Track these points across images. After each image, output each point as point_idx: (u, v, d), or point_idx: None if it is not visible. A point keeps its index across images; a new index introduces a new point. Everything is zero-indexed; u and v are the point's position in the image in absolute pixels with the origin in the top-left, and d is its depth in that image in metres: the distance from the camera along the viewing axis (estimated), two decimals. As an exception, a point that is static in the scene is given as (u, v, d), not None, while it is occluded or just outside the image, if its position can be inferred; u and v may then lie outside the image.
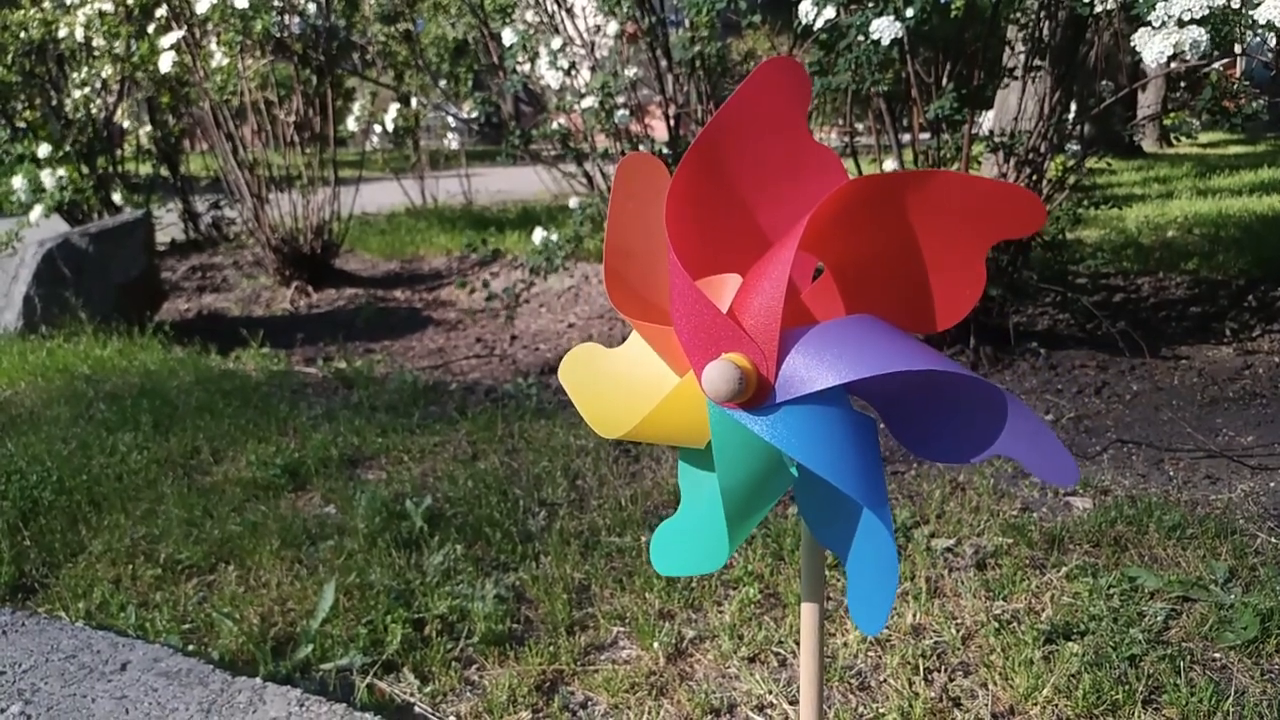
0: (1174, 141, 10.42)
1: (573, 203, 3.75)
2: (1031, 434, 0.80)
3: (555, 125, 3.75)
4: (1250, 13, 2.29)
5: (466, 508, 2.16)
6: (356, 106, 6.64)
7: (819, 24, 2.77)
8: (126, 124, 6.05)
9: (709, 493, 0.87)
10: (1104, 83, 3.35)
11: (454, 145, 9.15)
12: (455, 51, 7.68)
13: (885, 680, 1.53)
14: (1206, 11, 2.30)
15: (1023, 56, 3.19)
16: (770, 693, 1.50)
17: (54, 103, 5.59)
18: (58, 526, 2.16)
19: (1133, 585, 1.74)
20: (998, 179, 0.76)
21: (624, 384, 0.91)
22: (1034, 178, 3.26)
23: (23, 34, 5.22)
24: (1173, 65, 2.48)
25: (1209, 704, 1.41)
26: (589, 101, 3.52)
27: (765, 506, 0.86)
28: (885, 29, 2.61)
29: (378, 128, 6.94)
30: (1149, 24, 2.36)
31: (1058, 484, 0.80)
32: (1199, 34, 2.30)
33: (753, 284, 0.78)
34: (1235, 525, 1.96)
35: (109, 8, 5.00)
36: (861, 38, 2.69)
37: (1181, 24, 2.32)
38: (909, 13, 2.63)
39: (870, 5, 2.74)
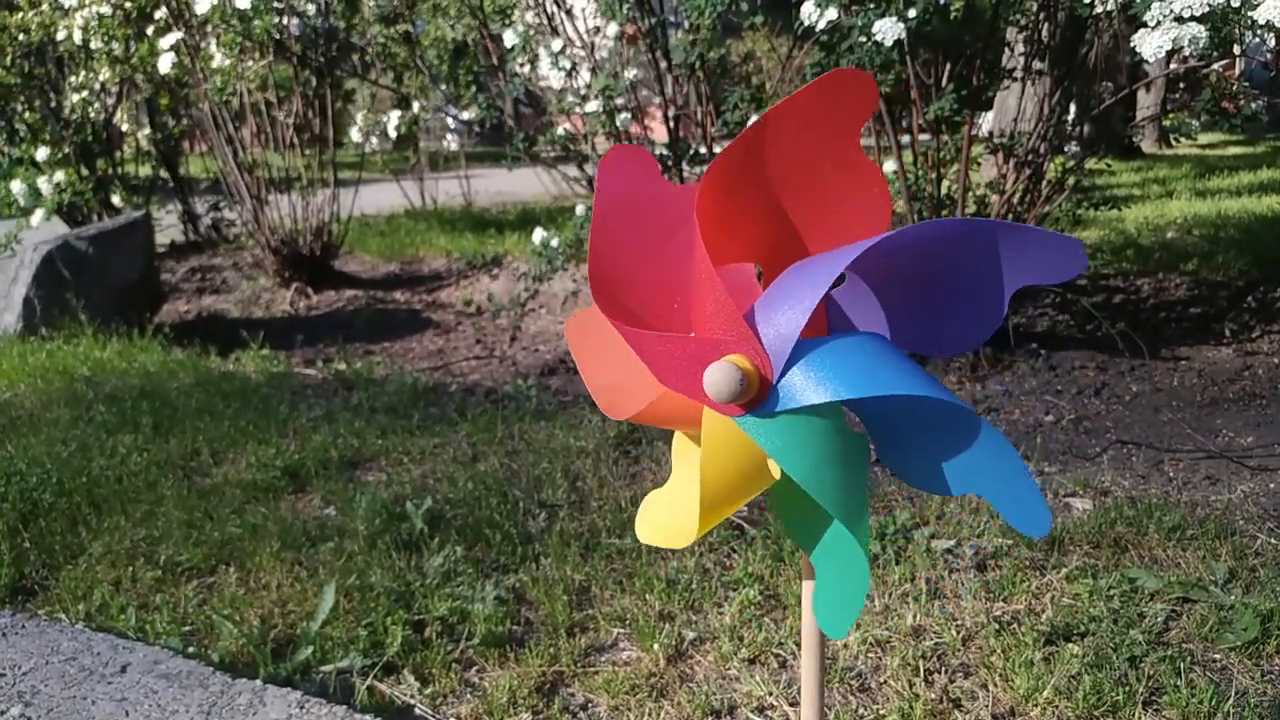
0: (1173, 142, 10.41)
1: (579, 209, 3.74)
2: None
3: (561, 130, 3.75)
4: (1249, 13, 2.29)
5: (466, 509, 2.16)
6: (360, 117, 6.64)
7: (821, 25, 2.77)
8: (126, 126, 6.05)
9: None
10: (1104, 84, 3.35)
11: (453, 147, 9.14)
12: (455, 53, 7.68)
13: (886, 681, 1.53)
14: (1206, 9, 2.30)
15: (1022, 58, 3.20)
16: (771, 694, 1.50)
17: (53, 105, 5.59)
18: (58, 528, 2.16)
19: (1133, 586, 1.74)
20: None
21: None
22: (1033, 179, 3.26)
23: (21, 36, 5.21)
24: (1172, 66, 2.48)
25: (1209, 705, 1.41)
26: (593, 105, 3.52)
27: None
28: (888, 30, 2.61)
29: (378, 130, 6.93)
30: (1145, 24, 2.37)
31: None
32: (1198, 30, 2.31)
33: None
34: (1235, 526, 1.96)
35: (107, 10, 5.00)
36: (863, 38, 2.69)
37: (1181, 20, 2.32)
38: (911, 13, 2.63)
39: (872, 6, 2.74)
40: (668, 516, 0.90)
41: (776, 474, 0.82)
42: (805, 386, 0.76)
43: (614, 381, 0.90)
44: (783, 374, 0.77)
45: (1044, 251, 0.76)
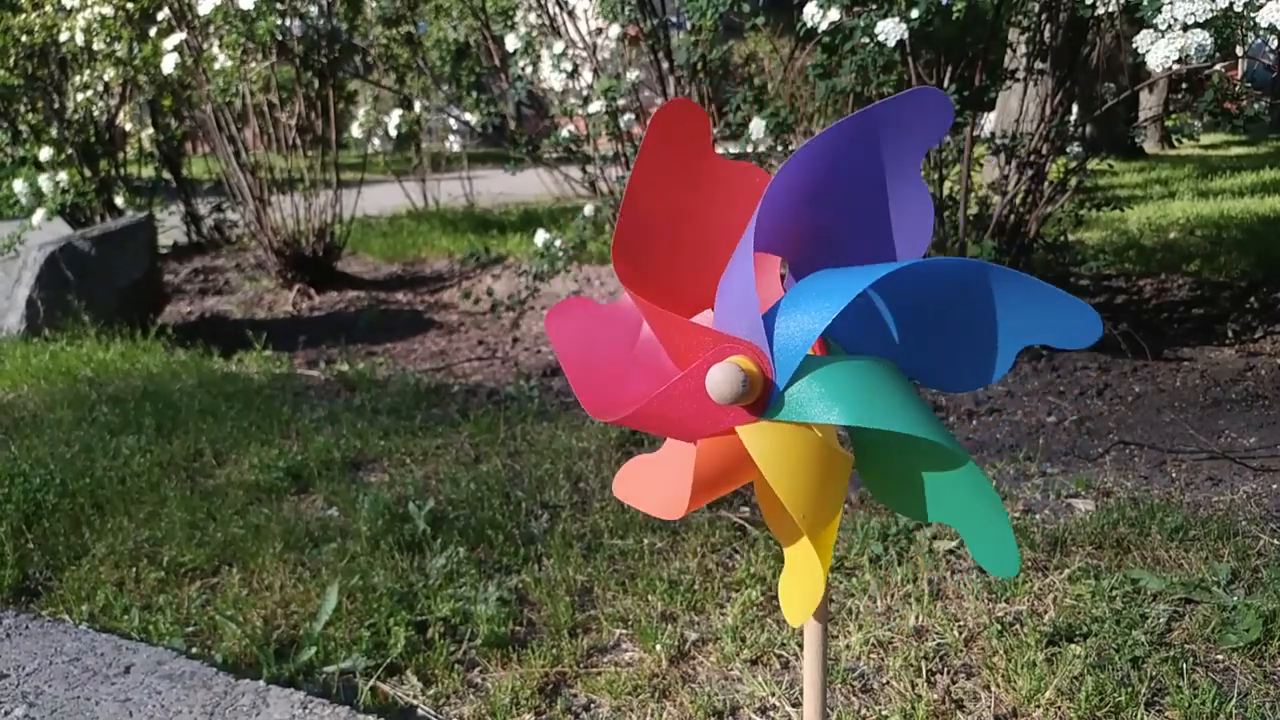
0: (1176, 143, 10.40)
1: (587, 210, 3.75)
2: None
3: (565, 133, 3.75)
4: (1253, 15, 2.29)
5: (469, 510, 2.16)
6: (360, 114, 6.65)
7: (824, 26, 2.78)
8: (129, 127, 6.06)
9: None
10: (1106, 85, 3.35)
11: (455, 147, 9.15)
12: (457, 54, 7.69)
13: (888, 682, 1.53)
14: (1210, 15, 2.30)
15: (1024, 58, 3.20)
16: (773, 695, 1.50)
17: (56, 106, 5.60)
18: (61, 529, 2.16)
19: (1135, 587, 1.74)
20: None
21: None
22: (1035, 179, 3.26)
23: (24, 37, 5.22)
24: (1175, 67, 2.48)
25: (1211, 706, 1.41)
26: (595, 106, 3.52)
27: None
28: (891, 31, 2.61)
29: (380, 130, 6.94)
30: (1155, 27, 2.36)
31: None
32: (1203, 38, 2.31)
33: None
34: (1238, 527, 1.96)
35: (109, 11, 5.01)
36: (866, 39, 2.69)
37: (1185, 28, 2.32)
38: (913, 14, 2.63)
39: (874, 7, 2.74)
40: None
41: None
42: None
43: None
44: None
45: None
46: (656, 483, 0.90)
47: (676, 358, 0.81)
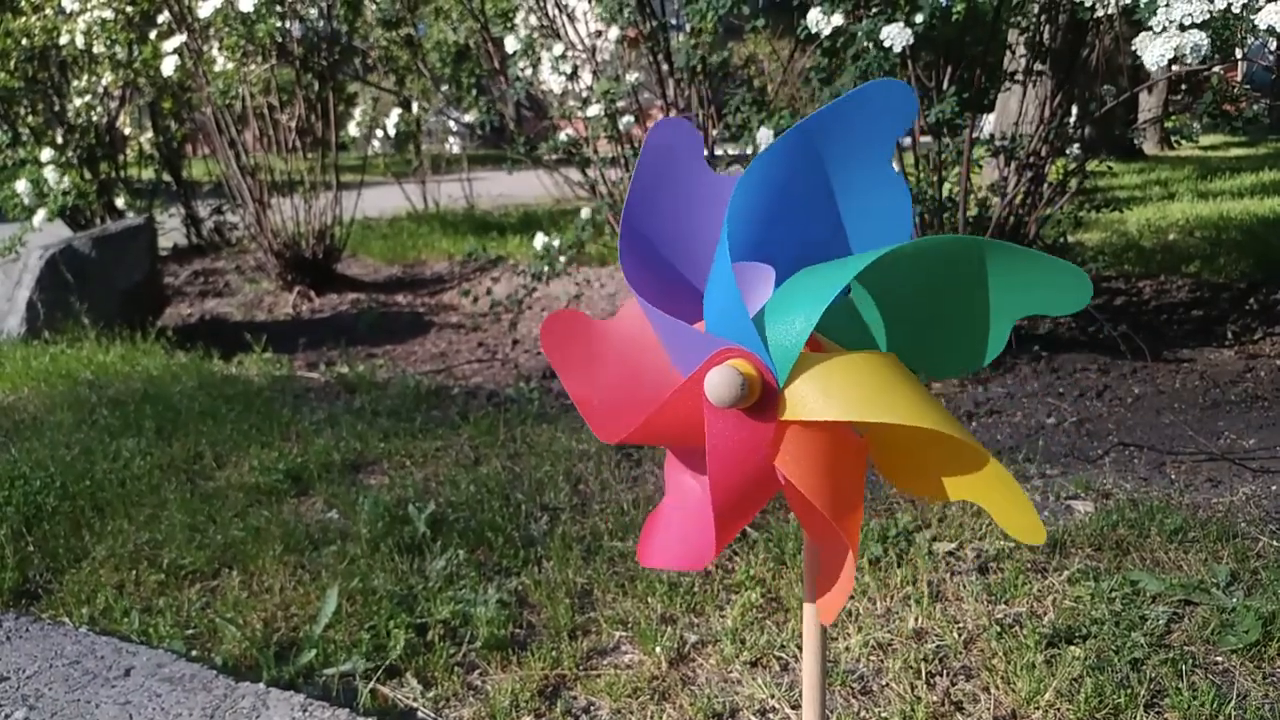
0: (1175, 144, 10.41)
1: (584, 213, 3.75)
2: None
3: (564, 135, 3.75)
4: (1251, 17, 2.30)
5: (469, 512, 2.16)
6: (358, 113, 6.65)
7: (826, 31, 2.78)
8: (129, 129, 6.06)
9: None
10: (1105, 87, 3.35)
11: (455, 149, 9.16)
12: (457, 56, 7.70)
13: (887, 684, 1.53)
14: (1207, 16, 2.31)
15: (1024, 60, 3.20)
16: (772, 697, 1.50)
17: (56, 108, 5.60)
18: (61, 532, 2.16)
19: (1134, 589, 1.74)
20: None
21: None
22: (1035, 181, 3.27)
23: (25, 40, 5.23)
24: (1174, 68, 2.49)
25: (1211, 708, 1.41)
26: (594, 109, 3.52)
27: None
28: (896, 36, 2.61)
29: (380, 132, 6.95)
30: (1150, 28, 2.37)
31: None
32: (1199, 38, 2.31)
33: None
34: (1237, 528, 1.96)
35: (109, 14, 5.01)
36: (869, 44, 2.69)
37: (1182, 28, 2.33)
38: (918, 19, 2.63)
39: (875, 12, 2.74)
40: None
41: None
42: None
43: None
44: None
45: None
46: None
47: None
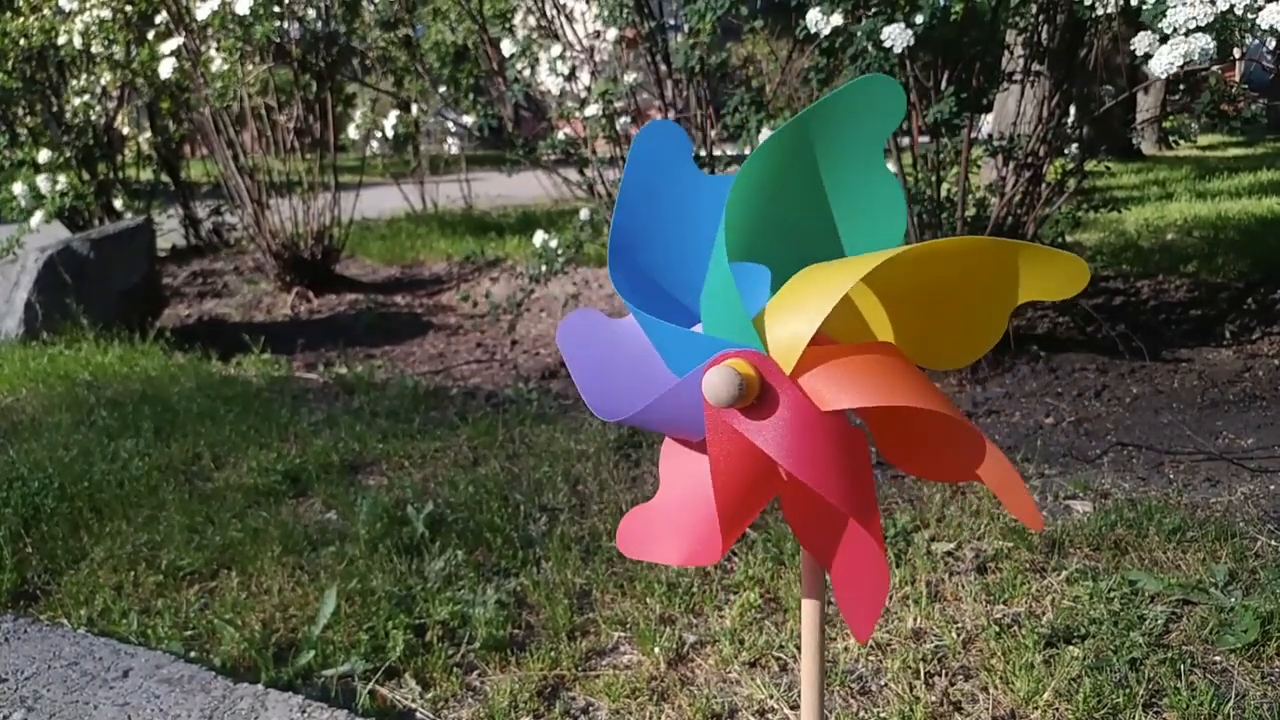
0: (1173, 144, 10.42)
1: (583, 214, 3.75)
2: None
3: (561, 135, 3.75)
4: (1252, 17, 2.30)
5: (468, 513, 2.16)
6: (357, 115, 6.65)
7: (825, 31, 2.78)
8: (127, 130, 6.06)
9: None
10: (1104, 87, 3.36)
11: (454, 150, 9.15)
12: (456, 57, 7.70)
13: (886, 684, 1.53)
14: (1210, 19, 2.31)
15: (1022, 60, 3.20)
16: (771, 697, 1.50)
17: (54, 109, 5.60)
18: (59, 533, 2.16)
19: (1133, 588, 1.74)
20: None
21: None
22: (1033, 181, 3.27)
23: (23, 41, 5.22)
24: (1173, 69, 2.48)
25: (1209, 707, 1.41)
26: (592, 110, 3.52)
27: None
28: (897, 36, 2.61)
29: (378, 133, 6.95)
30: (1161, 31, 2.36)
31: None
32: (1206, 41, 2.31)
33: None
34: (1235, 528, 1.96)
35: (107, 15, 5.01)
36: (868, 45, 2.69)
37: (1187, 33, 2.33)
38: (918, 19, 2.63)
39: (874, 12, 2.74)
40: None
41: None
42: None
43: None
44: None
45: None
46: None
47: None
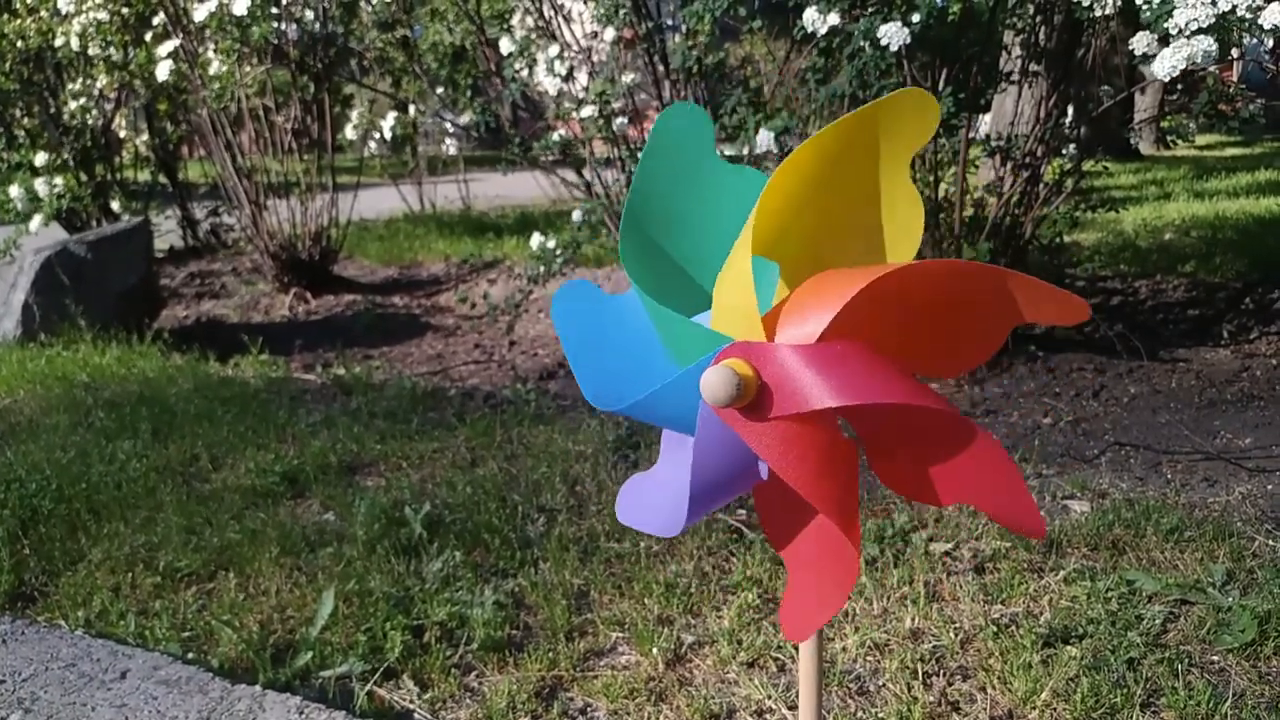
0: (1171, 144, 10.41)
1: (576, 215, 3.75)
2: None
3: (556, 136, 3.76)
4: (1253, 18, 2.30)
5: (465, 514, 2.16)
6: (354, 115, 6.65)
7: (823, 31, 2.78)
8: (124, 132, 6.06)
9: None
10: (1102, 87, 3.36)
11: (452, 151, 9.15)
12: (454, 57, 7.70)
13: (884, 685, 1.53)
14: (1212, 20, 2.31)
15: (1020, 60, 3.20)
16: (769, 698, 1.50)
17: (52, 111, 5.59)
18: (57, 535, 2.16)
19: (1130, 588, 1.74)
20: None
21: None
22: (1031, 181, 3.27)
23: (20, 42, 5.22)
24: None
25: (1207, 707, 1.41)
26: (588, 110, 3.52)
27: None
28: (894, 35, 2.62)
29: (376, 134, 6.94)
30: (1165, 31, 2.36)
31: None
32: (1209, 43, 2.31)
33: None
34: (1233, 528, 1.96)
35: (104, 17, 5.01)
36: (865, 44, 2.69)
37: (1189, 35, 2.33)
38: (914, 18, 2.64)
39: (871, 11, 2.74)
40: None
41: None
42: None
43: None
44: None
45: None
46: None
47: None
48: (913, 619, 1.69)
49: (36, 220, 4.91)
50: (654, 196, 0.85)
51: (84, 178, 5.60)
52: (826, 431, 0.78)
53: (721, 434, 0.79)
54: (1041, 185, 3.32)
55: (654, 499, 0.90)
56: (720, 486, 0.84)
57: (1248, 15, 2.30)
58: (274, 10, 4.56)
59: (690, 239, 0.87)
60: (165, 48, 4.68)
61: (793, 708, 1.47)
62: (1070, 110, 3.25)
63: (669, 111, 0.84)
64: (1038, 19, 3.07)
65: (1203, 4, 2.30)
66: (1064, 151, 3.32)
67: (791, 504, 0.83)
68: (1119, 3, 2.56)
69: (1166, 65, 2.35)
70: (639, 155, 3.28)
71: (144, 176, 6.36)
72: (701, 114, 0.84)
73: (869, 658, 1.60)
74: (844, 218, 0.81)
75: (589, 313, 0.91)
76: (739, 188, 0.85)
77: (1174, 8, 2.35)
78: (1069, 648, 1.57)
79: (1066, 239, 3.83)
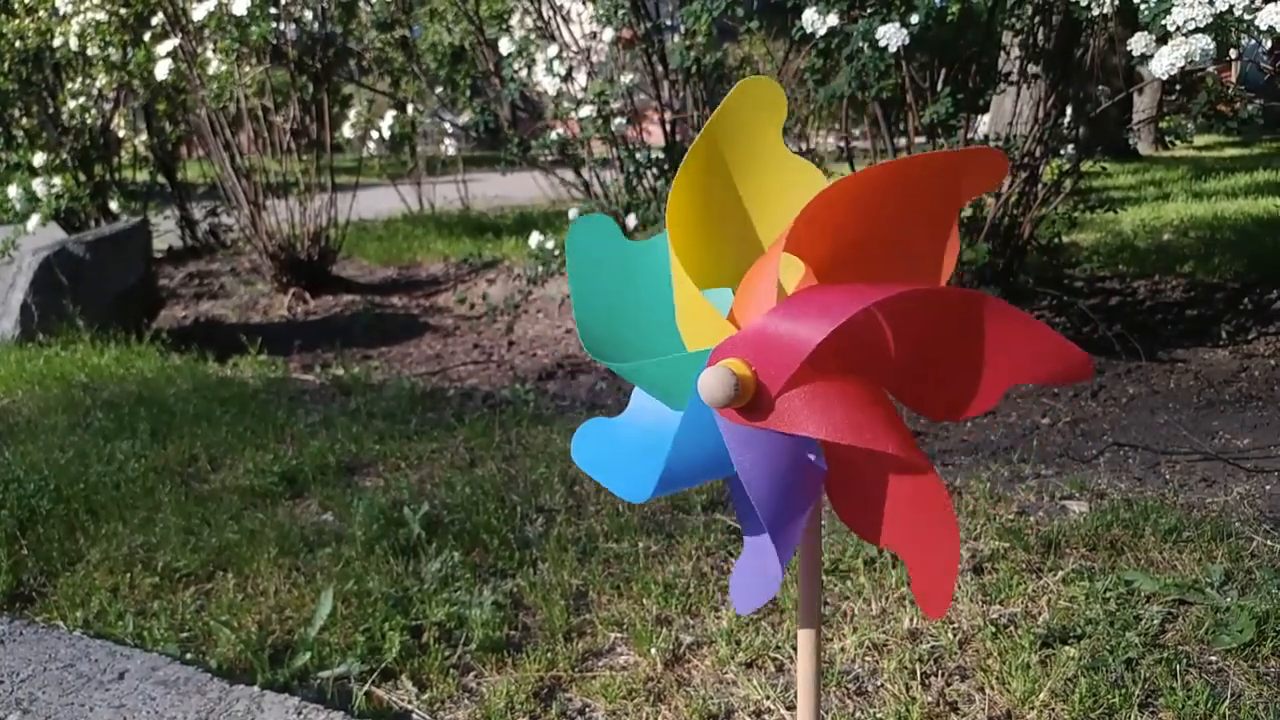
0: (1170, 144, 10.41)
1: (572, 213, 3.75)
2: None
3: (554, 135, 3.76)
4: (1250, 18, 2.30)
5: (464, 514, 2.16)
6: (352, 113, 6.65)
7: (821, 32, 2.78)
8: (123, 132, 6.06)
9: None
10: (1101, 88, 3.36)
11: (451, 151, 9.15)
12: (453, 58, 7.70)
13: (882, 685, 1.53)
14: (1209, 20, 2.31)
15: (1018, 61, 3.20)
16: (768, 698, 1.50)
17: (50, 110, 5.59)
18: (55, 535, 2.16)
19: (1129, 589, 1.74)
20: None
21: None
22: (1030, 181, 3.27)
23: (19, 42, 5.22)
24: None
25: (1205, 707, 1.41)
26: (586, 110, 3.52)
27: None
28: (892, 36, 2.62)
29: (375, 134, 6.95)
30: (1163, 29, 2.37)
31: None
32: (1206, 42, 2.32)
33: (806, 304, 0.78)
34: (1231, 528, 1.96)
35: (103, 17, 5.01)
36: (864, 45, 2.69)
37: (1186, 34, 2.33)
38: (913, 19, 2.64)
39: (870, 12, 2.75)
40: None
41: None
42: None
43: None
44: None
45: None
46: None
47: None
48: (911, 619, 1.69)
49: (35, 220, 4.91)
50: (595, 312, 0.88)
51: (82, 178, 5.60)
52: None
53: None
54: (1040, 185, 3.32)
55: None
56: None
57: (1246, 16, 2.31)
58: (273, 10, 4.56)
59: (636, 323, 0.89)
60: (164, 47, 4.68)
61: (791, 708, 1.48)
62: (1069, 111, 3.25)
63: (574, 230, 0.87)
64: (1036, 19, 3.08)
65: (1200, 3, 2.31)
66: (1062, 152, 3.32)
67: (864, 494, 0.83)
68: (1117, 3, 2.56)
69: (1164, 64, 2.35)
70: (636, 158, 3.27)
71: (143, 176, 6.35)
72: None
73: (867, 658, 1.60)
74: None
75: (606, 438, 0.93)
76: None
77: (1171, 7, 2.35)
78: (1067, 648, 1.57)
79: (1065, 239, 3.84)
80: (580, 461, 0.92)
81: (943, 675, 1.54)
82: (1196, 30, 2.33)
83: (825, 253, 0.81)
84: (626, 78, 3.64)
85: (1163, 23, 2.35)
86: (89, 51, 5.18)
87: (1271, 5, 2.29)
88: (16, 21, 5.22)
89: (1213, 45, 2.33)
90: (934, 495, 0.79)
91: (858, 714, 1.47)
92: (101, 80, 5.43)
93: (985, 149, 0.76)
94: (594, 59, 3.88)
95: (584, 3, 3.99)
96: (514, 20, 4.52)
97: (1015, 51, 3.25)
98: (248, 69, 4.86)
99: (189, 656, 1.68)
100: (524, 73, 3.78)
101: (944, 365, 0.80)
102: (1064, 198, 3.38)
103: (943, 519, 0.80)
